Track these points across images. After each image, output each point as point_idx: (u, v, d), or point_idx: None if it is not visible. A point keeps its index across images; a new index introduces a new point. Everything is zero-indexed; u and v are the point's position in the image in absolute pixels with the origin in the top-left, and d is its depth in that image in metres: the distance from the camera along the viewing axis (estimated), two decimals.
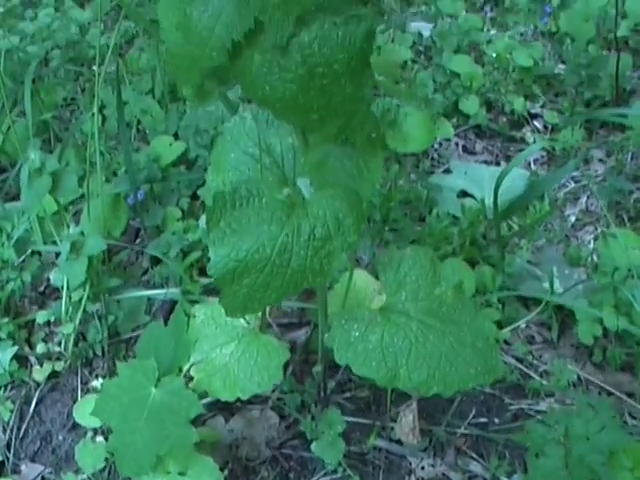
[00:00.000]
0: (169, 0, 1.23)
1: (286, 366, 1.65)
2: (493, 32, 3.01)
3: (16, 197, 2.38)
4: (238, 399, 1.62)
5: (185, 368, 1.65)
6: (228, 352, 1.64)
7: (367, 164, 1.36)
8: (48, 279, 2.18)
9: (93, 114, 1.99)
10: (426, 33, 2.87)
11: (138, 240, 2.34)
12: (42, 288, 2.24)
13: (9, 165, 2.57)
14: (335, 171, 1.36)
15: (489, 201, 2.11)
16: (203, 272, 2.10)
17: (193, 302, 2.01)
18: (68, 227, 2.05)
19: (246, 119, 1.57)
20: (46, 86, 2.92)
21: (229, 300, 1.30)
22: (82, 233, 1.91)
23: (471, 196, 2.33)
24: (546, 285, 2.04)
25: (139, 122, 2.66)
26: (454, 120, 2.62)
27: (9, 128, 2.39)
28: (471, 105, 2.60)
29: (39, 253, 2.23)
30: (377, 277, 1.61)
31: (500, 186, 1.94)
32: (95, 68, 2.78)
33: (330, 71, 1.17)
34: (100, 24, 2.25)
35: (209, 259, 1.27)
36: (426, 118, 2.23)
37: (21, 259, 2.20)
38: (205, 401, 1.71)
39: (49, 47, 3.24)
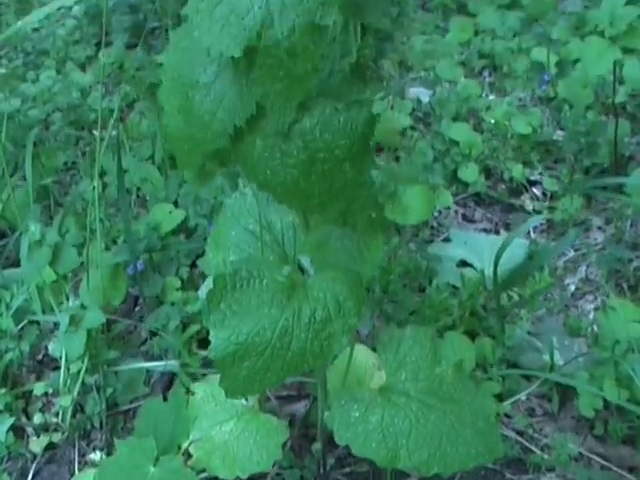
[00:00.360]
0: (171, 83, 1.24)
1: (285, 441, 1.64)
2: (492, 97, 3.04)
3: (15, 263, 2.37)
4: (237, 477, 1.60)
5: (184, 446, 1.64)
6: (227, 430, 1.63)
7: (368, 245, 1.36)
8: (46, 348, 2.17)
9: (94, 187, 2.00)
10: (425, 99, 2.89)
11: (137, 308, 2.33)
12: (40, 357, 2.22)
13: (9, 230, 2.57)
14: (336, 252, 1.37)
15: (489, 271, 2.10)
16: (202, 344, 2.09)
17: (192, 375, 2.00)
18: (67, 297, 2.05)
19: (246, 196, 1.58)
20: (47, 150, 2.94)
21: (229, 382, 1.30)
22: (82, 305, 1.90)
23: (471, 266, 2.33)
24: (546, 357, 2.03)
25: (139, 188, 2.67)
26: (453, 188, 2.63)
27: (9, 196, 2.40)
28: (470, 173, 2.61)
29: (37, 322, 2.22)
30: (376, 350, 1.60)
31: (500, 257, 1.94)
32: (96, 132, 2.80)
33: (331, 156, 1.17)
34: (101, 88, 2.25)
35: (209, 332, 1.27)
36: (425, 189, 2.24)
37: (19, 327, 2.18)
38: (203, 475, 1.70)
39: (50, 110, 3.27)
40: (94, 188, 1.97)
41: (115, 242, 2.43)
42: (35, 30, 4.32)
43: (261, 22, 1.09)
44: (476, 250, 2.35)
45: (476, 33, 3.38)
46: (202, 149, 1.21)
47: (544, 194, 2.70)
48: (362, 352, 1.72)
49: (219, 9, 1.11)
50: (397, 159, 2.65)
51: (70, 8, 4.36)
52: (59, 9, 4.53)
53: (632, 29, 2.57)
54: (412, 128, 2.80)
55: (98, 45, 3.86)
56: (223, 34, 1.10)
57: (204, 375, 1.94)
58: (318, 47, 1.12)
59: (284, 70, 1.12)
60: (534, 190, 2.71)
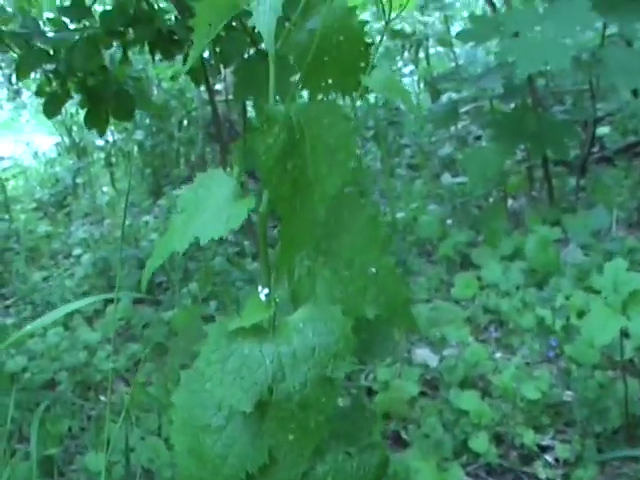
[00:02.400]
0: (182, 424, 1.23)
1: None
2: (499, 355, 3.04)
3: None
4: None
5: None
6: None
7: None
8: None
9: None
10: (433, 364, 2.89)
11: None
12: None
13: None
14: None
15: None
16: None
17: None
18: None
19: None
20: (52, 417, 2.91)
21: None
22: None
23: None
24: None
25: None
26: (463, 458, 2.58)
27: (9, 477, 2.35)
28: (481, 443, 2.57)
29: None
30: None
31: None
32: (103, 398, 2.78)
33: None
34: (111, 346, 2.25)
35: None
36: (433, 468, 2.20)
37: None
38: None
39: (57, 368, 3.28)
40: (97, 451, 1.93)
41: None
42: (44, 279, 4.40)
43: (273, 376, 1.10)
44: None
45: (481, 287, 3.43)
46: None
47: (556, 460, 2.64)
48: None
49: (231, 362, 1.12)
50: (405, 429, 2.62)
51: (79, 257, 4.47)
52: (68, 257, 4.64)
53: (636, 294, 2.61)
54: (421, 394, 2.78)
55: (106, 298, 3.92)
56: (235, 387, 1.11)
57: None
58: (330, 399, 1.12)
59: (296, 423, 1.12)
60: (546, 456, 2.65)
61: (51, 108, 3.24)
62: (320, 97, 1.18)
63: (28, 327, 1.92)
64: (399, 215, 4.05)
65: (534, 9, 3.52)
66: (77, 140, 6.05)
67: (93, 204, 5.42)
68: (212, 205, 1.12)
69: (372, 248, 1.18)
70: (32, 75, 3.48)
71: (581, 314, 3.10)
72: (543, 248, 3.45)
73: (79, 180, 5.79)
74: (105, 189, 5.58)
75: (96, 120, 3.28)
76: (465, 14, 7.09)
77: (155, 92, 5.75)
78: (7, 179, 6.27)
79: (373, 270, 1.16)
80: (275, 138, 1.03)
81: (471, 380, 2.83)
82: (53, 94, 3.19)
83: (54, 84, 3.17)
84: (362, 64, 1.18)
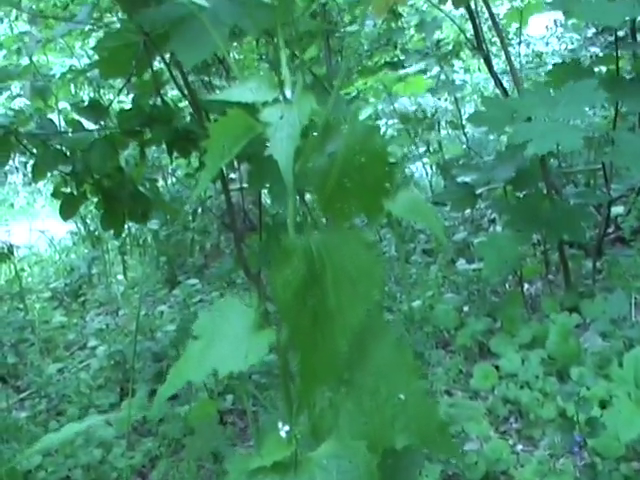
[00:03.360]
0: None
1: None
2: (520, 447, 2.98)
3: None
4: None
5: None
6: None
7: None
8: None
9: None
10: (453, 459, 2.83)
11: None
12: None
13: None
14: None
15: None
16: None
17: None
18: None
19: None
20: None
21: None
22: None
23: None
24: None
25: None
26: None
27: None
28: None
29: None
30: None
31: None
32: None
33: None
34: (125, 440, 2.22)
35: None
36: None
37: None
38: None
39: (72, 465, 3.23)
40: None
41: None
42: (59, 371, 4.38)
43: None
44: None
45: (500, 377, 3.38)
46: None
47: None
48: None
49: None
50: None
51: (94, 349, 4.45)
52: (83, 348, 4.62)
53: None
54: None
55: (122, 390, 3.90)
56: None
57: None
58: None
59: None
60: None
61: (67, 210, 3.26)
62: (342, 223, 1.14)
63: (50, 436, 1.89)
64: (415, 303, 4.03)
65: (545, 92, 3.52)
66: (92, 229, 6.08)
67: (108, 294, 5.41)
68: (230, 335, 1.10)
69: (399, 373, 1.15)
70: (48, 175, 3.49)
71: (603, 403, 3.05)
72: (563, 338, 3.41)
73: (94, 269, 5.80)
74: (120, 277, 5.58)
75: (112, 222, 3.28)
76: (476, 97, 7.17)
77: (169, 181, 5.81)
78: (23, 269, 6.29)
79: (402, 397, 1.13)
80: (294, 271, 1.01)
81: (493, 476, 2.78)
82: (69, 196, 3.20)
83: (70, 186, 3.19)
84: (387, 186, 1.14)
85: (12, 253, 5.65)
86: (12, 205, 10.33)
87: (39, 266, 6.52)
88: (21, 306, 5.43)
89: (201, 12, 1.36)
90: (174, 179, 5.83)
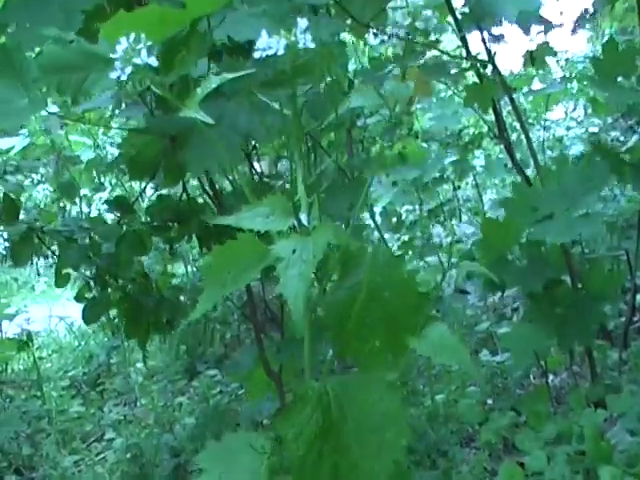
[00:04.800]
0: None
1: None
2: None
3: None
4: None
5: None
6: None
7: None
8: None
9: None
10: None
11: None
12: None
13: None
14: None
15: None
16: None
17: None
18: None
19: None
20: None
21: None
22: None
23: None
24: None
25: None
26: None
27: None
28: None
29: None
30: None
31: None
32: None
33: None
34: None
35: None
36: None
37: None
38: None
39: None
40: None
41: None
42: (75, 463, 4.31)
43: None
44: None
45: (526, 475, 3.29)
46: None
47: None
48: None
49: None
50: None
51: (111, 441, 4.39)
52: (100, 440, 4.56)
53: None
54: None
55: None
56: None
57: None
58: None
59: None
60: None
61: (91, 316, 3.22)
62: (362, 365, 1.05)
63: None
64: (439, 397, 3.95)
65: (564, 186, 3.48)
66: (112, 316, 6.04)
67: (127, 383, 5.35)
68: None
69: None
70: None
71: None
72: (590, 436, 3.32)
73: (114, 358, 5.76)
74: (140, 365, 5.52)
75: (137, 331, 3.24)
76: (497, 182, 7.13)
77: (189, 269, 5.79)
78: (41, 357, 6.26)
79: None
80: (308, 420, 0.93)
81: None
82: (92, 300, 3.17)
83: (93, 289, 3.15)
84: (414, 322, 1.04)
85: (31, 341, 5.61)
86: (33, 288, 10.31)
87: (58, 353, 6.47)
88: (38, 394, 5.38)
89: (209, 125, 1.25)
90: (195, 268, 5.81)
